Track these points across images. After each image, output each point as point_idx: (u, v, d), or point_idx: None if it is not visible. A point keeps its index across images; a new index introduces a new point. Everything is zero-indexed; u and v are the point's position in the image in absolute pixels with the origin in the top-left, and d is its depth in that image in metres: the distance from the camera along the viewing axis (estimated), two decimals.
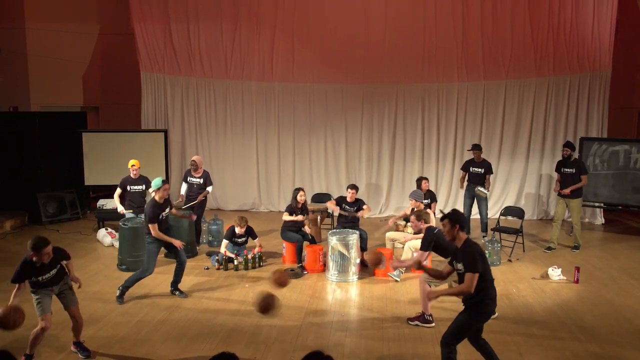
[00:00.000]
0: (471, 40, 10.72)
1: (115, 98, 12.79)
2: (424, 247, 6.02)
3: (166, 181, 6.34)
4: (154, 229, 6.14)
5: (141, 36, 11.18)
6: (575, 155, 8.76)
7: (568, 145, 8.48)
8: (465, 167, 9.28)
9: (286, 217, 7.70)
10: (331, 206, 8.04)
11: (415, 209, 7.42)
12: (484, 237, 8.99)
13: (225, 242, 7.72)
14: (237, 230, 7.64)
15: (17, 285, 4.59)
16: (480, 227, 9.17)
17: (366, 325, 5.74)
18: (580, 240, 8.58)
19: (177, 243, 6.30)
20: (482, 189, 8.87)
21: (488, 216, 9.25)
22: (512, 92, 10.87)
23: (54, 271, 4.71)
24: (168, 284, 6.58)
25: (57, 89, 12.20)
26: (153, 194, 6.37)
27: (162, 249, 6.43)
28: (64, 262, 4.87)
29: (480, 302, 4.20)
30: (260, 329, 5.56)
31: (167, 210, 6.42)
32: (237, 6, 11.00)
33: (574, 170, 8.31)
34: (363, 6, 10.82)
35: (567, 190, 8.26)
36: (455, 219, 4.37)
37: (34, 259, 4.53)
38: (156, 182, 6.31)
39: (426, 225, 6.29)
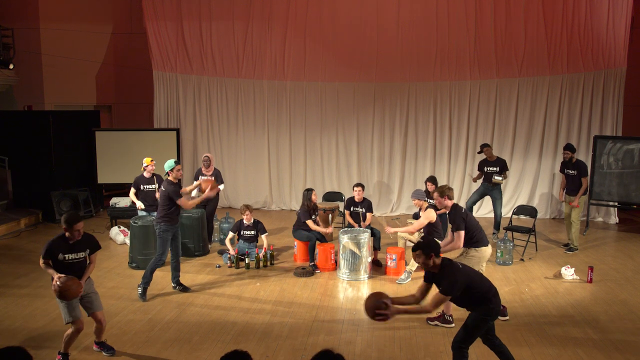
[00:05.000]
0: (484, 38, 10.64)
1: (128, 97, 12.92)
2: (460, 226, 5.49)
3: (178, 162, 6.49)
4: (184, 203, 6.33)
5: (153, 35, 11.26)
6: (580, 155, 8.67)
7: (568, 148, 8.42)
8: (481, 168, 9.16)
9: (312, 225, 7.63)
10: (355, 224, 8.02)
11: (421, 208, 7.39)
12: (494, 234, 8.95)
13: (230, 234, 7.76)
14: (245, 219, 7.65)
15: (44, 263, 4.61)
16: (494, 224, 9.12)
17: (377, 323, 5.71)
18: (576, 242, 8.40)
19: (208, 185, 6.76)
20: (497, 176, 8.75)
21: (502, 215, 9.19)
22: (525, 90, 10.77)
23: (82, 254, 4.73)
24: None
25: (71, 88, 12.35)
26: (167, 175, 6.47)
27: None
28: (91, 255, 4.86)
29: (486, 301, 4.17)
30: (271, 326, 5.58)
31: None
32: (250, 4, 11.03)
33: (575, 172, 8.30)
34: (375, 4, 10.79)
35: (575, 203, 8.20)
36: (428, 247, 4.13)
37: (67, 234, 4.61)
38: (169, 163, 6.44)
39: (451, 202, 5.66)
